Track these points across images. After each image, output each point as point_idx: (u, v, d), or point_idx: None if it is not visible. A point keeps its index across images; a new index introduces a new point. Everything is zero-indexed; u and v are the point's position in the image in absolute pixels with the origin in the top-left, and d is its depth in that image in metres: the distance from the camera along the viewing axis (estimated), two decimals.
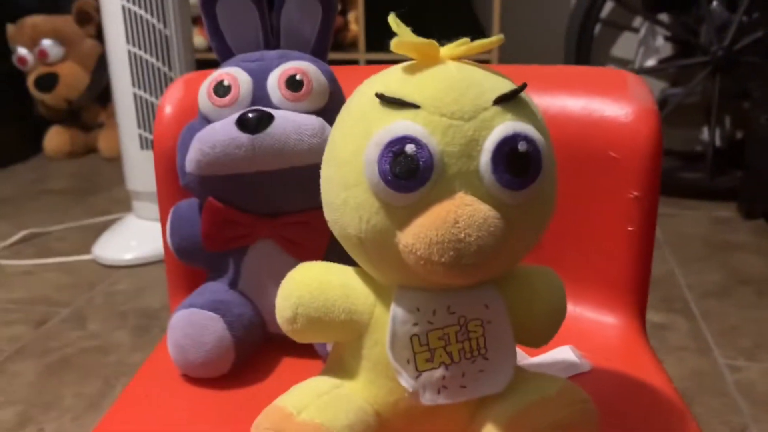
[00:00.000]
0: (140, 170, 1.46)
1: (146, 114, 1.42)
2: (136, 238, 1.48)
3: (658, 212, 1.55)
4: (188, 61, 1.46)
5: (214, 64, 0.47)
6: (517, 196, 0.30)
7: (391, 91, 0.32)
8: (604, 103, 0.51)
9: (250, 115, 0.41)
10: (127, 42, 1.38)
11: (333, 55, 1.99)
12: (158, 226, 0.51)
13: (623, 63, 2.11)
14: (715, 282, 1.40)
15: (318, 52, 0.48)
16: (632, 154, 0.49)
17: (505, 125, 0.30)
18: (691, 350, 1.17)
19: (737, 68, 1.82)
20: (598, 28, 2.06)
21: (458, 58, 0.34)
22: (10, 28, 2.15)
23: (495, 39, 0.33)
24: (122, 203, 1.78)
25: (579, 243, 0.51)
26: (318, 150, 0.43)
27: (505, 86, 0.32)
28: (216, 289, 0.45)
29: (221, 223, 0.44)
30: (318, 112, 0.44)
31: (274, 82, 0.44)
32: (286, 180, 0.43)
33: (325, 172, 0.34)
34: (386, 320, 0.34)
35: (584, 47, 1.88)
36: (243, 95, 0.43)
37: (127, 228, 1.53)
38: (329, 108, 0.45)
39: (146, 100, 1.42)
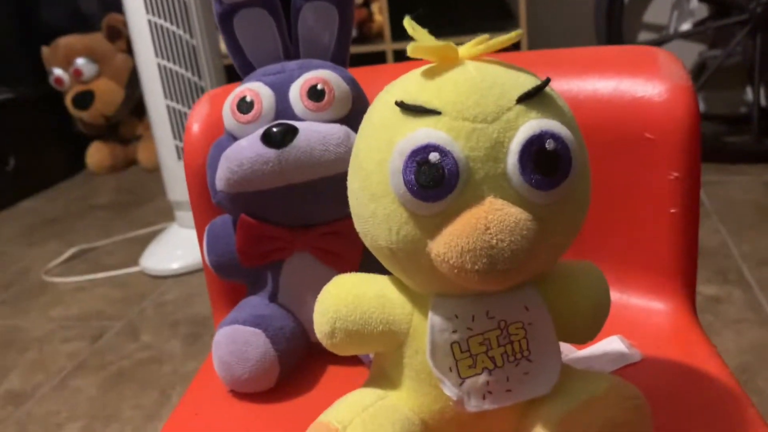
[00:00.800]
0: (179, 180, 1.49)
1: (180, 125, 1.44)
2: (180, 247, 1.51)
3: (704, 181, 1.50)
4: (217, 69, 1.47)
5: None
6: (548, 196, 0.30)
7: (411, 98, 0.31)
8: (635, 83, 0.49)
9: (274, 129, 0.41)
10: (156, 55, 1.40)
11: (359, 48, 1.99)
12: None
13: (657, 29, 2.05)
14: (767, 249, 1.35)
15: (338, 58, 0.47)
16: (669, 133, 0.48)
17: (531, 124, 0.30)
18: (750, 322, 1.14)
19: None
20: None
21: (478, 57, 0.33)
22: (45, 51, 2.21)
23: (514, 34, 0.32)
24: (165, 213, 1.82)
25: (621, 229, 0.50)
26: (345, 159, 0.42)
27: (528, 83, 0.31)
28: (256, 303, 0.46)
29: (256, 238, 0.44)
30: (342, 120, 0.43)
31: (296, 93, 0.43)
32: (316, 191, 0.42)
33: (351, 184, 0.34)
34: (425, 329, 0.34)
35: (615, 15, 1.83)
36: (266, 110, 0.43)
37: (171, 238, 1.55)
38: (353, 115, 0.44)
39: (179, 111, 1.44)
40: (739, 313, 1.16)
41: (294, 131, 0.41)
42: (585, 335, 0.37)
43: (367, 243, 0.34)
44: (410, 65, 0.59)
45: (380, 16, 1.96)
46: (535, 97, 0.31)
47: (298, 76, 0.44)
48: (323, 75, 0.44)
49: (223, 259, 0.47)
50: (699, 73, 2.00)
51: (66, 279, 1.53)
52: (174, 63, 1.41)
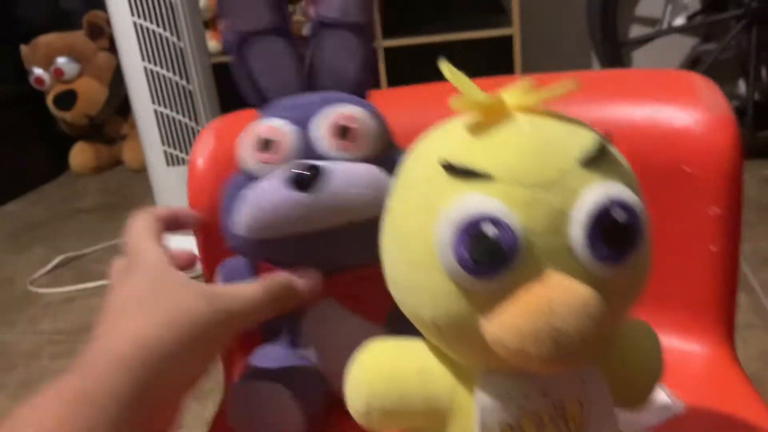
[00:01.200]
0: (169, 187, 1.45)
1: (169, 129, 1.40)
2: None
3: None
4: (205, 71, 1.43)
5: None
6: (616, 269, 0.27)
7: (457, 158, 0.28)
8: (672, 112, 0.46)
9: (302, 171, 0.37)
10: (143, 59, 1.35)
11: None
12: (191, 239, 0.48)
13: (651, 22, 2.03)
14: None
15: (359, 89, 0.44)
16: (708, 167, 0.45)
17: (597, 191, 0.26)
18: (757, 328, 1.12)
19: None
20: None
21: (531, 110, 0.29)
22: (24, 49, 2.14)
23: (570, 85, 0.29)
24: None
25: (658, 267, 0.47)
26: (377, 202, 0.39)
27: (588, 139, 0.28)
28: (275, 354, 0.43)
29: None
30: (370, 159, 0.40)
31: (322, 131, 0.40)
32: (346, 236, 0.39)
33: (387, 246, 0.31)
34: (469, 405, 0.31)
35: (609, 9, 1.81)
36: (289, 148, 0.40)
37: None
38: (381, 153, 0.41)
39: (167, 116, 1.39)
40: (744, 318, 1.15)
41: (324, 173, 0.37)
42: (639, 400, 0.35)
43: (406, 312, 0.31)
44: (423, 88, 0.55)
45: None
46: (598, 157, 0.28)
47: (322, 112, 0.41)
48: (351, 111, 0.40)
49: None
50: (692, 66, 1.98)
51: (53, 290, 1.48)
52: (161, 66, 1.36)
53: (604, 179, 0.27)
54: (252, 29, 0.42)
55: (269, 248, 0.40)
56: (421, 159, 0.30)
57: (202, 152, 0.49)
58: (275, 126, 0.40)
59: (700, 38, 2.00)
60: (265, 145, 0.40)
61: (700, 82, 0.48)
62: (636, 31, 2.06)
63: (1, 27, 2.25)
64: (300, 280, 0.39)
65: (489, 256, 0.26)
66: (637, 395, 0.34)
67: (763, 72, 2.01)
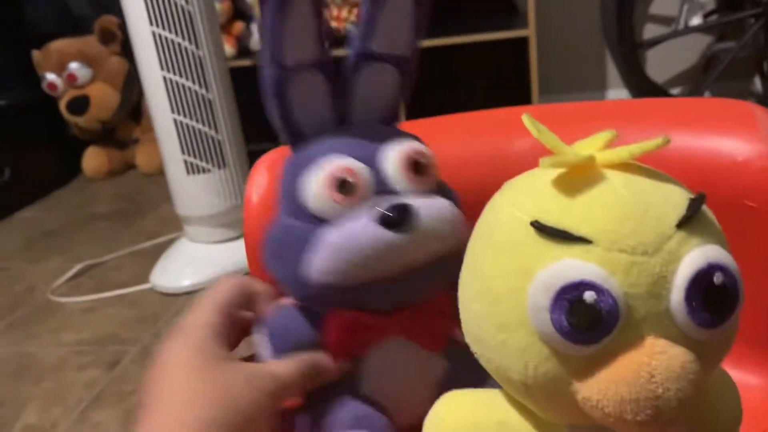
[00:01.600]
0: (189, 195, 1.44)
1: (188, 138, 1.40)
2: (191, 263, 1.47)
3: None
4: (223, 78, 1.42)
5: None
6: (715, 332, 0.27)
7: (549, 218, 0.27)
8: (731, 143, 0.46)
9: (393, 211, 0.37)
10: (161, 68, 1.35)
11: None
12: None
13: (667, 21, 2.02)
14: None
15: (390, 120, 0.44)
16: None
17: (696, 255, 0.26)
18: None
19: None
20: None
21: (618, 166, 0.29)
22: (36, 55, 2.14)
23: (661, 141, 0.29)
24: (171, 223, 1.77)
25: None
26: (455, 236, 0.39)
27: (682, 200, 0.28)
28: (342, 401, 0.42)
29: (351, 331, 0.40)
30: (434, 193, 0.40)
31: (396, 167, 0.39)
32: (431, 272, 0.39)
33: (472, 305, 0.30)
34: None
35: (625, 9, 1.80)
36: (367, 188, 0.39)
37: (181, 253, 1.51)
38: (438, 184, 0.41)
39: (187, 125, 1.39)
40: None
41: (414, 211, 0.37)
42: None
43: (492, 372, 0.31)
44: (448, 119, 0.54)
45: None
46: (695, 220, 0.27)
47: (387, 147, 0.40)
48: (418, 147, 0.40)
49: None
50: (707, 65, 1.97)
51: (74, 299, 1.48)
52: (180, 76, 1.36)
53: (702, 242, 0.27)
54: (301, 62, 0.41)
55: (353, 292, 0.39)
56: (509, 216, 0.29)
57: (257, 188, 0.49)
58: (348, 165, 0.39)
59: (715, 37, 1.99)
60: (342, 186, 0.39)
61: (759, 112, 0.47)
62: (650, 30, 2.05)
63: (13, 33, 2.25)
64: (328, 359, 0.39)
65: (589, 323, 0.25)
66: None
67: None
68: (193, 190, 1.43)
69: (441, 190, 0.42)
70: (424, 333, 0.41)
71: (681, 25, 1.93)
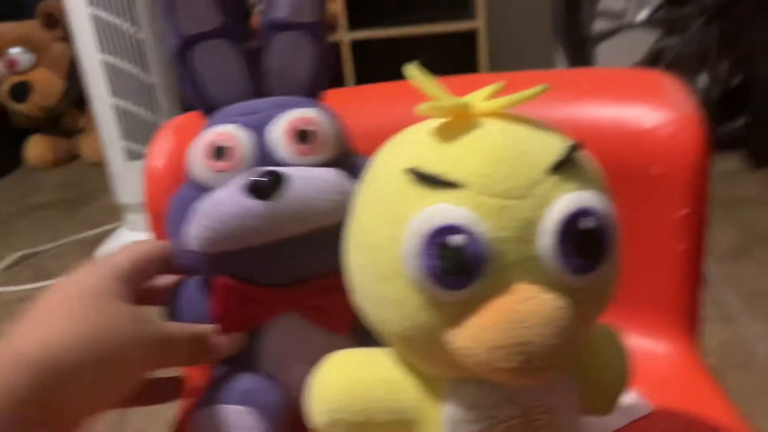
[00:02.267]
0: (128, 182, 1.41)
1: (128, 124, 1.36)
2: None
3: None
4: (165, 62, 1.39)
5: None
6: (587, 278, 0.26)
7: (425, 165, 0.27)
8: (638, 112, 0.46)
9: (262, 179, 0.36)
10: (100, 51, 1.31)
11: None
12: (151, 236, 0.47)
13: (616, 16, 2.04)
14: (730, 243, 1.36)
15: (313, 92, 0.43)
16: (676, 168, 0.45)
17: (567, 199, 0.26)
18: (714, 320, 1.14)
19: (734, 13, 1.76)
20: None
21: (496, 113, 0.29)
22: None
23: (539, 89, 0.28)
24: (114, 212, 1.72)
25: (625, 267, 0.47)
26: (343, 207, 0.38)
27: (557, 145, 0.27)
28: (235, 375, 0.41)
29: (238, 303, 0.39)
30: (329, 164, 0.39)
31: (279, 136, 0.38)
32: (309, 244, 0.38)
33: (353, 257, 0.30)
34: (437, 416, 0.30)
35: (573, 2, 1.82)
36: (246, 156, 0.38)
37: (120, 242, 1.48)
38: (340, 156, 0.40)
39: (126, 110, 1.35)
40: (703, 313, 1.17)
41: (284, 179, 0.36)
42: (607, 407, 0.34)
43: (373, 324, 0.30)
44: (373, 88, 0.54)
45: (334, 5, 1.90)
46: (568, 165, 0.27)
47: (279, 116, 0.39)
48: (309, 114, 0.39)
49: None
50: (654, 61, 2.00)
51: (10, 288, 1.44)
52: (119, 58, 1.32)
53: (575, 188, 0.26)
54: (199, 31, 0.40)
55: (226, 261, 0.38)
56: (388, 167, 0.29)
57: (161, 153, 0.47)
58: (227, 132, 0.38)
59: (663, 32, 2.02)
60: (218, 152, 0.38)
61: (666, 80, 0.47)
62: (600, 25, 2.08)
63: None
64: (223, 337, 0.38)
65: (457, 267, 0.25)
66: (606, 401, 0.34)
67: (725, 67, 2.04)
68: (132, 177, 1.39)
69: (346, 161, 0.41)
70: (322, 311, 0.40)
71: (629, 20, 1.96)
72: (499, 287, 0.25)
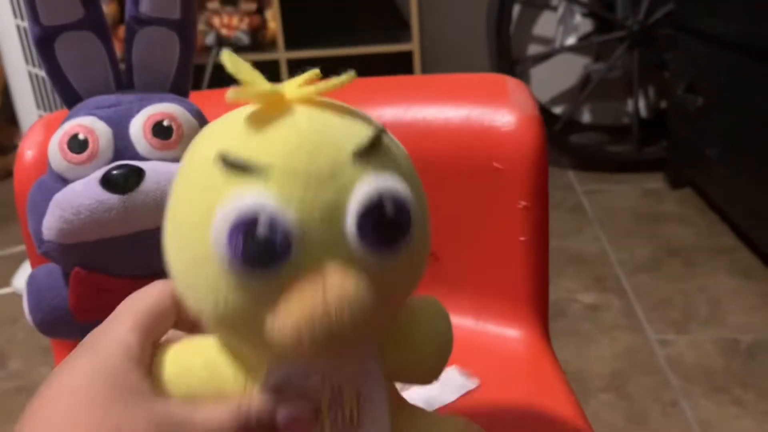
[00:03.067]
0: None
1: None
2: None
3: (586, 189, 1.56)
4: None
5: None
6: (389, 259, 0.28)
7: (232, 151, 0.28)
8: (485, 112, 0.49)
9: (116, 172, 0.37)
10: (26, 62, 1.31)
11: (253, 56, 1.95)
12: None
13: (545, 41, 2.12)
14: (645, 256, 1.42)
15: (178, 87, 0.44)
16: (516, 163, 0.48)
17: (368, 184, 0.27)
18: (624, 328, 1.19)
19: (654, 41, 1.85)
20: (517, 8, 2.06)
21: (310, 101, 0.30)
22: None
23: (346, 78, 0.29)
24: None
25: (474, 257, 0.50)
26: None
27: (364, 132, 0.29)
28: None
29: (94, 293, 0.40)
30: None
31: (138, 130, 0.39)
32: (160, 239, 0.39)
33: (168, 247, 0.30)
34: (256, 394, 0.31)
35: (504, 29, 1.88)
36: (103, 149, 0.39)
37: None
38: None
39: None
40: (615, 320, 1.22)
41: (139, 173, 0.37)
42: (430, 375, 0.35)
43: (191, 308, 0.31)
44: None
45: (274, 23, 1.93)
46: (373, 150, 0.28)
47: (139, 110, 0.40)
48: (169, 109, 0.40)
49: (52, 317, 0.42)
50: (584, 84, 2.08)
51: None
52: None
53: (377, 172, 0.28)
54: (61, 23, 0.41)
55: (83, 253, 0.39)
56: (200, 153, 0.29)
57: (30, 145, 0.49)
58: (86, 124, 0.39)
59: (593, 58, 2.10)
60: (75, 144, 0.39)
61: (511, 84, 0.51)
62: (532, 49, 2.16)
63: None
64: (286, 412, 0.29)
65: (261, 253, 0.26)
66: (428, 370, 0.35)
67: (651, 91, 2.14)
68: None
69: None
70: None
71: (557, 45, 2.04)
72: (306, 268, 0.26)
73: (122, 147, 0.39)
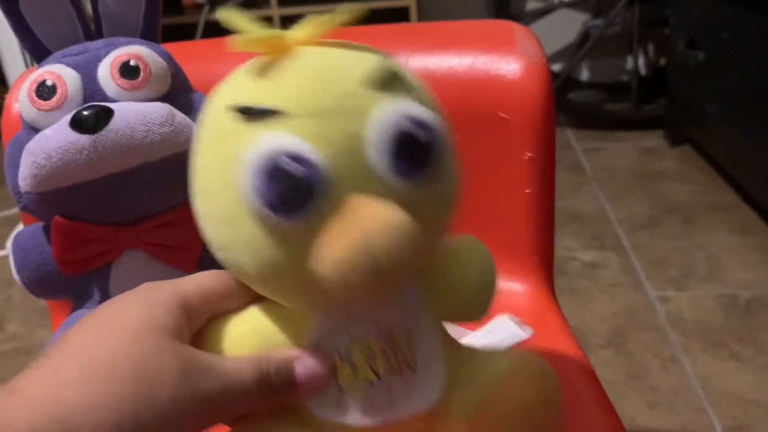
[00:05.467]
0: None
1: None
2: None
3: (585, 147, 1.55)
4: None
5: None
6: (421, 185, 0.27)
7: (247, 100, 0.27)
8: (490, 61, 0.48)
9: (85, 113, 0.36)
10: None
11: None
12: None
13: None
14: (643, 214, 1.42)
15: (148, 35, 0.43)
16: (523, 113, 0.47)
17: (383, 108, 0.26)
18: (623, 286, 1.19)
19: None
20: None
21: (315, 42, 0.29)
22: None
23: (347, 15, 0.28)
24: None
25: (478, 210, 0.49)
26: (170, 139, 0.38)
27: (374, 61, 0.28)
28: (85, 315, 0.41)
29: (76, 242, 0.39)
30: (161, 99, 0.39)
31: (106, 72, 0.39)
32: (141, 179, 0.38)
33: (198, 207, 0.29)
34: (304, 341, 0.30)
35: None
36: (72, 93, 0.38)
37: None
38: (173, 92, 0.41)
39: None
40: (614, 277, 1.22)
41: (108, 112, 0.36)
42: (475, 311, 0.34)
43: (230, 268, 0.29)
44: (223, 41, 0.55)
45: None
46: (384, 77, 0.27)
47: (106, 54, 0.39)
48: (135, 50, 0.39)
49: (37, 274, 0.41)
50: (583, 41, 2.05)
51: None
52: None
53: (393, 97, 0.27)
54: None
55: (60, 201, 0.38)
56: (215, 110, 0.29)
57: (18, 97, 0.47)
58: (53, 71, 0.39)
59: (591, 14, 2.07)
60: (43, 91, 0.38)
61: (518, 31, 0.49)
62: (530, 5, 2.12)
63: None
64: (304, 364, 0.29)
65: (293, 193, 0.25)
66: (471, 305, 0.34)
67: (650, 48, 2.11)
68: None
69: (179, 98, 0.41)
70: (164, 248, 0.41)
71: (556, 1, 2.01)
72: (340, 207, 0.26)
73: (91, 91, 0.39)
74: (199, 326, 0.28)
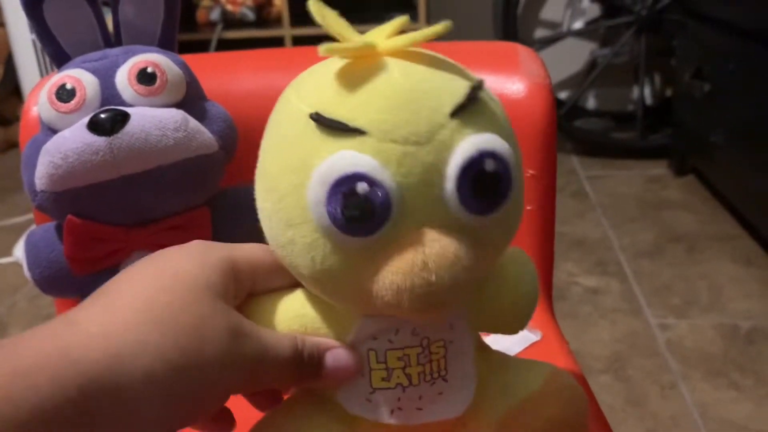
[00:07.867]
0: None
1: None
2: None
3: (590, 175, 1.56)
4: None
5: None
6: (488, 219, 0.27)
7: (328, 110, 0.27)
8: (495, 80, 0.49)
9: (102, 115, 0.38)
10: (31, 31, 1.31)
11: (258, 33, 1.94)
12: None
13: (553, 26, 2.11)
14: (647, 241, 1.42)
15: (165, 45, 0.44)
16: (526, 131, 0.48)
17: (468, 143, 0.26)
18: (624, 312, 1.19)
19: (661, 26, 1.84)
20: None
21: (400, 53, 0.28)
22: None
23: (441, 27, 0.28)
24: None
25: None
26: (184, 144, 0.40)
27: (461, 88, 0.27)
28: None
29: (87, 241, 0.40)
30: (176, 106, 0.41)
31: (124, 78, 0.40)
32: (154, 182, 0.40)
33: (262, 205, 0.30)
34: (345, 340, 0.30)
35: (511, 11, 1.87)
36: (90, 97, 0.40)
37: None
38: (188, 99, 0.42)
39: None
40: (615, 303, 1.22)
41: (125, 116, 0.38)
42: (515, 326, 0.34)
43: (286, 266, 0.30)
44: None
45: (279, 0, 1.92)
46: (472, 110, 0.27)
47: (125, 61, 0.41)
48: (153, 58, 0.41)
49: (49, 271, 0.42)
50: (590, 70, 2.07)
51: None
52: None
53: (476, 130, 0.27)
54: None
55: (73, 201, 0.39)
56: (293, 111, 0.28)
57: (35, 102, 0.48)
58: (73, 75, 0.40)
59: (599, 43, 2.09)
60: (63, 94, 0.39)
61: (522, 52, 0.51)
62: (539, 33, 2.14)
63: None
64: (335, 356, 0.29)
65: (361, 215, 0.25)
66: (513, 321, 0.34)
67: (657, 78, 2.12)
68: None
69: (194, 105, 0.42)
70: None
71: (564, 29, 2.03)
72: (405, 232, 0.26)
73: (109, 96, 0.40)
74: (242, 295, 0.29)
